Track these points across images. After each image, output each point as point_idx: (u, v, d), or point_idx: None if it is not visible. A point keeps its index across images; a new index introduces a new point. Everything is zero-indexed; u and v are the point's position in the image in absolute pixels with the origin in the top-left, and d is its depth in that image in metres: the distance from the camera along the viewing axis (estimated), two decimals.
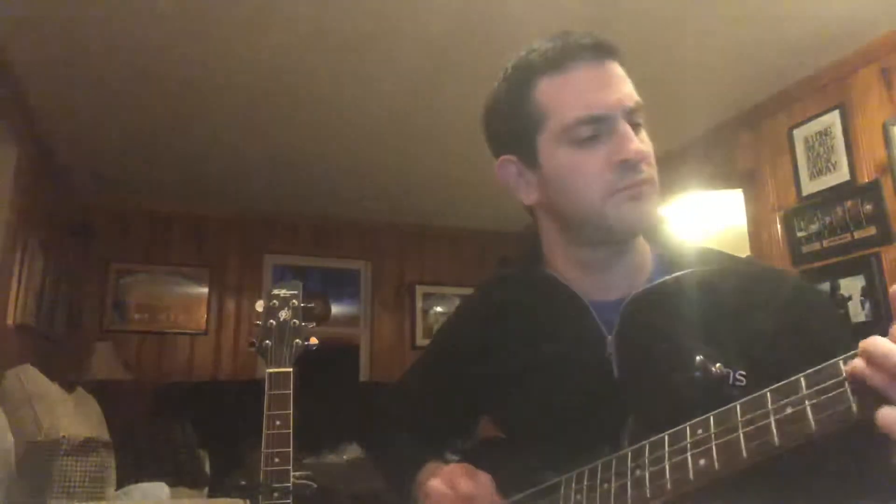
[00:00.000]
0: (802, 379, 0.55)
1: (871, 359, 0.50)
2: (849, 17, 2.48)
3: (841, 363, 0.53)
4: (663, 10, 2.38)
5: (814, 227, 2.87)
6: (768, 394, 0.57)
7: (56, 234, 3.91)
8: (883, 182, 2.60)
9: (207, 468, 3.52)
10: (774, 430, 0.55)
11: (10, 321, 3.08)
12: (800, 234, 2.94)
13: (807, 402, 0.53)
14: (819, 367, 0.54)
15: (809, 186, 2.92)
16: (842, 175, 2.76)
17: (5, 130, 2.94)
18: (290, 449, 0.97)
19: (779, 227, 3.08)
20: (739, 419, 0.58)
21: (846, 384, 0.52)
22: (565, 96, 0.79)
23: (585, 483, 0.72)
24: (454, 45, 2.65)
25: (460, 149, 3.82)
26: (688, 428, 0.63)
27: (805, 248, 2.91)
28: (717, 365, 0.72)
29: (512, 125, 0.85)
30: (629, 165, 0.77)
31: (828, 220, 2.81)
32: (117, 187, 4.44)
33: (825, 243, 2.81)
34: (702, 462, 0.60)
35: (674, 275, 0.82)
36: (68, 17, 2.41)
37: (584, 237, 0.84)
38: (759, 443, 0.56)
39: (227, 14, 2.42)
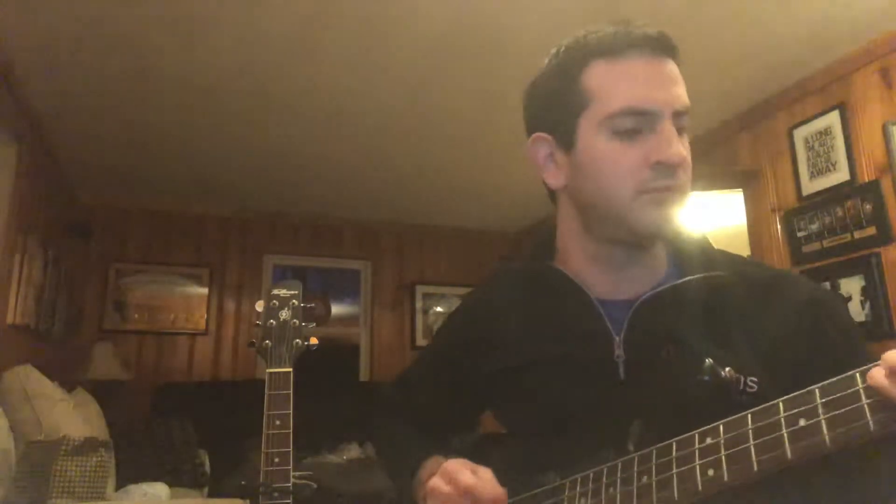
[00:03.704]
0: (817, 390, 0.53)
1: (893, 371, 0.48)
2: (849, 17, 2.48)
3: (858, 376, 0.51)
4: (663, 10, 2.38)
5: (814, 227, 2.87)
6: (780, 404, 0.55)
7: (56, 234, 3.91)
8: (883, 182, 2.60)
9: (207, 468, 3.52)
10: (787, 444, 0.53)
11: (9, 321, 3.08)
12: (800, 234, 2.94)
13: (821, 416, 0.51)
14: (835, 378, 0.52)
15: (809, 186, 2.92)
16: (842, 175, 2.76)
17: (5, 130, 2.94)
18: (290, 449, 0.97)
19: (779, 227, 3.08)
20: (750, 429, 0.57)
21: (863, 398, 0.50)
22: (616, 83, 0.77)
23: (590, 486, 0.71)
24: (454, 44, 2.65)
25: (461, 149, 3.83)
26: (696, 435, 0.61)
27: (805, 248, 2.91)
28: (728, 369, 0.70)
29: (555, 103, 0.82)
30: (665, 168, 0.75)
31: (828, 220, 2.81)
32: (117, 187, 4.44)
33: (825, 243, 2.81)
34: (710, 472, 0.59)
35: (686, 278, 0.80)
36: (68, 17, 2.41)
37: (603, 232, 0.82)
38: (771, 456, 0.54)
39: (227, 14, 2.42)
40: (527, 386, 0.86)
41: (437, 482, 0.78)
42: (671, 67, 0.79)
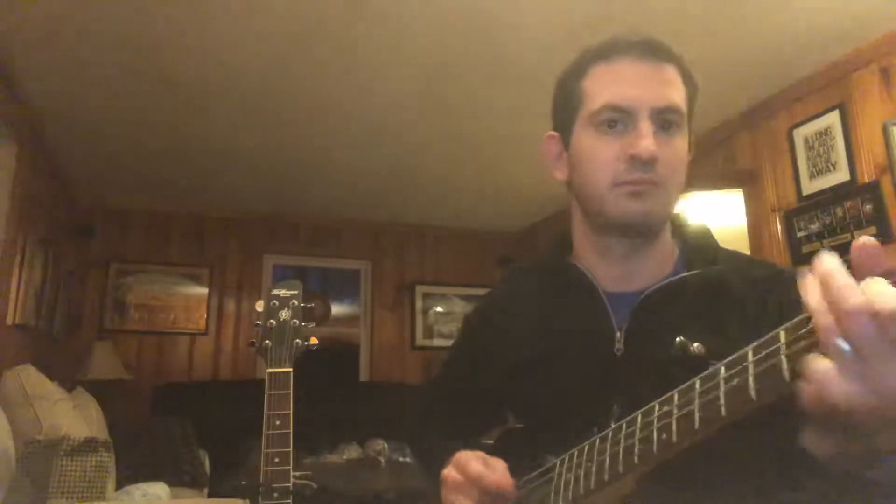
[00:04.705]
0: (750, 350, 0.55)
1: (825, 284, 0.47)
2: (848, 17, 2.47)
3: (782, 332, 0.52)
4: (663, 10, 2.38)
5: (814, 227, 2.87)
6: (721, 366, 0.58)
7: (56, 234, 3.91)
8: (883, 182, 2.60)
9: (207, 468, 3.52)
10: (722, 401, 0.56)
11: (10, 321, 3.08)
12: (800, 234, 2.94)
13: (749, 372, 0.54)
14: (765, 336, 0.54)
15: (809, 186, 2.92)
16: (842, 175, 2.76)
17: (5, 130, 2.94)
18: (290, 449, 0.97)
19: (779, 227, 3.08)
20: (697, 391, 0.60)
21: (781, 353, 0.51)
22: (603, 84, 0.84)
23: (575, 462, 0.75)
24: (455, 45, 2.65)
25: (461, 149, 3.82)
26: (657, 404, 0.65)
27: (805, 248, 2.91)
28: (696, 345, 0.74)
29: (560, 105, 0.91)
30: (639, 162, 0.79)
31: (828, 220, 2.81)
32: (117, 187, 4.44)
33: (825, 243, 2.81)
34: (664, 436, 0.62)
35: (688, 273, 0.83)
36: (68, 17, 2.41)
37: (597, 224, 0.87)
38: (709, 415, 0.57)
39: (227, 14, 2.42)
40: (534, 380, 0.89)
41: (449, 471, 0.82)
42: (662, 70, 0.84)
